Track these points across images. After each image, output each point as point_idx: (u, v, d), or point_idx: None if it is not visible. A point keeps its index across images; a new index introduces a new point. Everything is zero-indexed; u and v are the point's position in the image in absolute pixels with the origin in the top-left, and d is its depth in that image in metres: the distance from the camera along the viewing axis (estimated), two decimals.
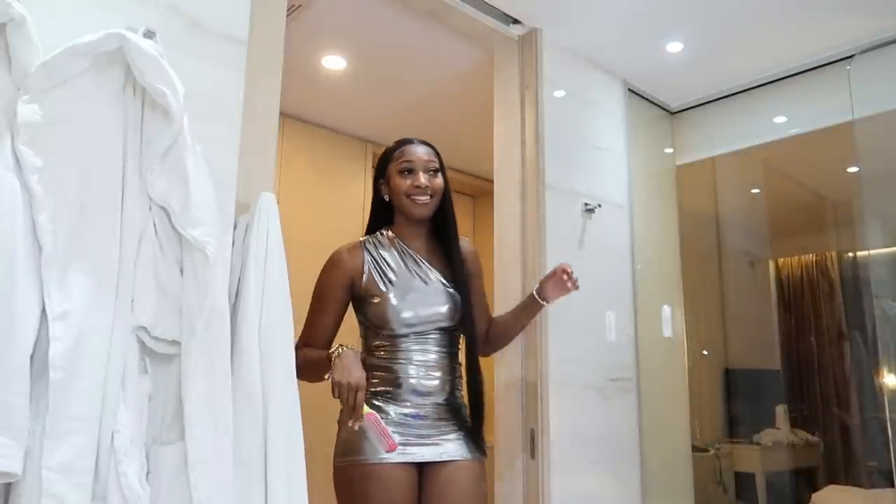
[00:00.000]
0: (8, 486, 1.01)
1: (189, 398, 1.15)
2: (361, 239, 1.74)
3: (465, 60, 2.76)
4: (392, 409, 1.59)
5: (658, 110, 3.03)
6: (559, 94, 2.46)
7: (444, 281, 1.71)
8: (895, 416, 2.43)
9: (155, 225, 1.18)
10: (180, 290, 1.18)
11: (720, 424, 3.76)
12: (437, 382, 1.63)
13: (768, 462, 3.65)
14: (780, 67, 2.72)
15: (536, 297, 1.81)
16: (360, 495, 1.52)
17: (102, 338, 1.08)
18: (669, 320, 2.82)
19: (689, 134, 3.07)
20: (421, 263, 1.71)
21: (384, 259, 1.69)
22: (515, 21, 2.39)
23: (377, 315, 1.63)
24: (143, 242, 1.16)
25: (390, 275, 1.66)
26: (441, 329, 1.67)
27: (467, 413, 1.68)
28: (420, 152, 1.71)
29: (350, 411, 1.42)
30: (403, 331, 1.63)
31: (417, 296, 1.65)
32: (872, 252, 2.83)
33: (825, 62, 2.62)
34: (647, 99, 2.94)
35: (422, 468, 1.58)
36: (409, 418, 1.59)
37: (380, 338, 1.65)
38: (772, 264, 4.48)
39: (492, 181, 2.47)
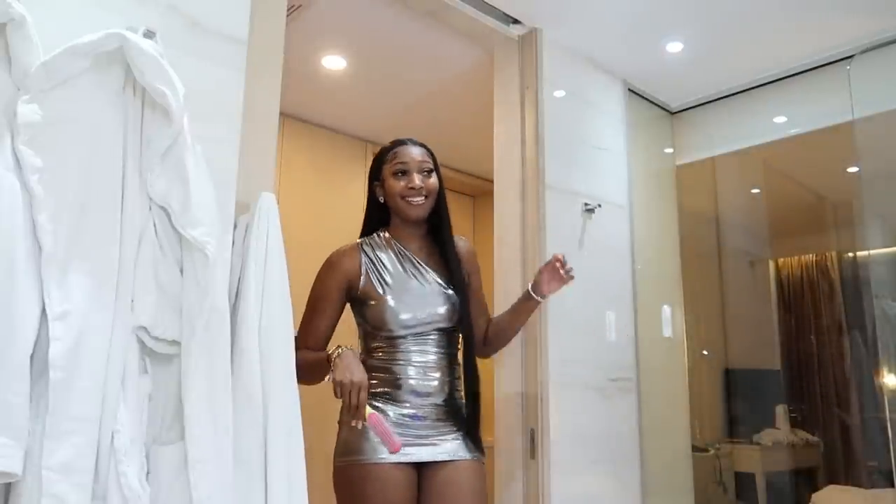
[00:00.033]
0: (8, 486, 1.01)
1: (189, 398, 1.15)
2: (359, 241, 1.74)
3: (465, 60, 2.76)
4: (391, 410, 1.59)
5: (658, 110, 3.03)
6: (559, 94, 2.46)
7: (441, 282, 1.70)
8: (895, 416, 2.43)
9: (155, 225, 1.17)
10: (180, 290, 1.18)
11: (720, 424, 3.76)
12: (436, 383, 1.63)
13: (768, 462, 3.65)
14: (780, 67, 2.72)
15: (532, 293, 1.77)
16: (358, 495, 1.52)
17: (102, 338, 1.08)
18: (669, 320, 2.82)
19: (689, 134, 3.07)
20: (418, 265, 1.71)
21: (381, 261, 1.69)
22: (515, 21, 2.39)
23: (375, 317, 1.63)
24: (143, 242, 1.16)
25: (387, 277, 1.66)
26: (440, 330, 1.66)
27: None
28: (414, 153, 1.71)
29: (353, 411, 1.42)
30: (402, 332, 1.63)
31: (415, 297, 1.65)
32: (872, 252, 2.83)
33: (825, 62, 2.62)
34: (647, 99, 2.94)
35: (420, 468, 1.58)
36: (408, 419, 1.59)
37: (378, 339, 1.65)
38: (772, 264, 4.48)
39: (492, 181, 2.47)
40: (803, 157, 3.44)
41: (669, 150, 3.08)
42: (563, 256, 1.75)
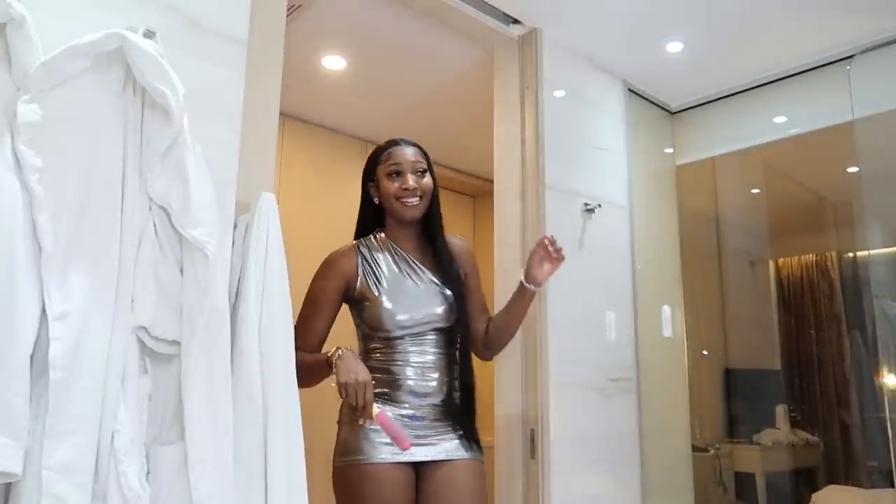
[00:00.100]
0: (8, 486, 1.01)
1: (189, 398, 1.15)
2: (355, 242, 1.74)
3: (465, 60, 2.76)
4: (390, 411, 1.58)
5: (658, 110, 3.03)
6: (559, 94, 2.47)
7: (437, 281, 1.70)
8: (895, 416, 2.43)
9: (155, 225, 1.18)
10: (180, 290, 1.18)
11: (720, 424, 3.76)
12: (434, 384, 1.63)
13: (768, 462, 3.65)
14: (780, 67, 2.72)
15: (525, 283, 1.69)
16: (357, 495, 1.52)
17: (102, 338, 1.08)
18: (669, 320, 2.82)
19: (689, 134, 3.07)
20: (414, 265, 1.70)
21: (377, 262, 1.69)
22: (515, 21, 2.39)
23: (372, 318, 1.63)
24: (143, 242, 1.16)
25: (383, 278, 1.66)
26: (437, 330, 1.66)
27: None
28: (407, 154, 1.71)
29: (360, 409, 1.42)
30: (399, 333, 1.62)
31: (411, 298, 1.65)
32: (872, 252, 2.83)
33: (825, 62, 2.62)
34: (647, 99, 2.94)
35: (419, 468, 1.57)
36: (406, 419, 1.58)
37: (376, 340, 1.65)
38: (772, 264, 4.48)
39: (492, 181, 2.47)
40: (803, 157, 3.44)
41: (669, 150, 3.08)
42: (553, 236, 1.67)
